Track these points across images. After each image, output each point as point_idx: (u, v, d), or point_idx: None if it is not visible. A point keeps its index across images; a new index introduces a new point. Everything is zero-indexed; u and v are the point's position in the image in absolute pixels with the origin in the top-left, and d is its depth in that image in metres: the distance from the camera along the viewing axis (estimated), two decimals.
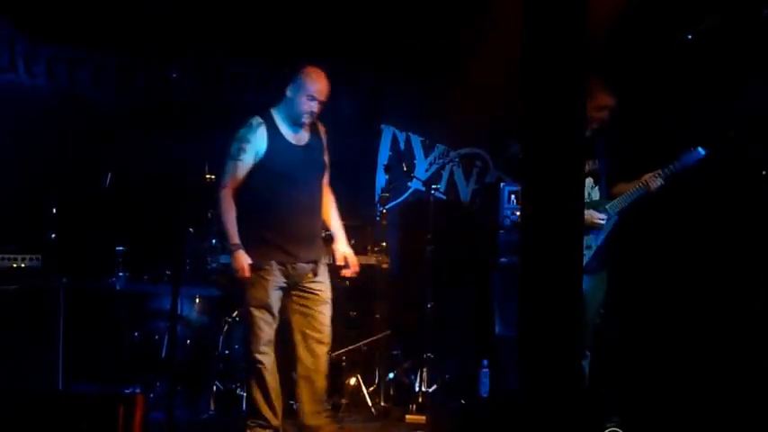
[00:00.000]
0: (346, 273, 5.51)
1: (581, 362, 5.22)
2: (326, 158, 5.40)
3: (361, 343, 6.37)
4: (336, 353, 6.18)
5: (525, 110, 3.96)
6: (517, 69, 3.94)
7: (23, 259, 5.89)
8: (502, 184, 7.36)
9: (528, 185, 4.02)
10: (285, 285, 5.21)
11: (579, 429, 3.83)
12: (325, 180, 5.44)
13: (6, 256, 5.85)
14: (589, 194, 5.64)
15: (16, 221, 6.38)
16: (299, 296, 5.28)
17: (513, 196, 7.25)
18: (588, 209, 5.50)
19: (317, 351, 5.27)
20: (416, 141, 8.09)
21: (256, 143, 5.13)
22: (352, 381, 6.32)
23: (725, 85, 6.16)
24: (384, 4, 7.45)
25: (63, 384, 5.82)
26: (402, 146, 8.05)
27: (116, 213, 6.50)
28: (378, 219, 6.74)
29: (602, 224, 5.55)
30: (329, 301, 5.35)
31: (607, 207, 5.59)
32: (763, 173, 5.39)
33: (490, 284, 7.17)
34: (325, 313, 5.31)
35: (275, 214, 5.17)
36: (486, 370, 6.79)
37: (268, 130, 5.17)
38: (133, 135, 6.91)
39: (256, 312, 5.13)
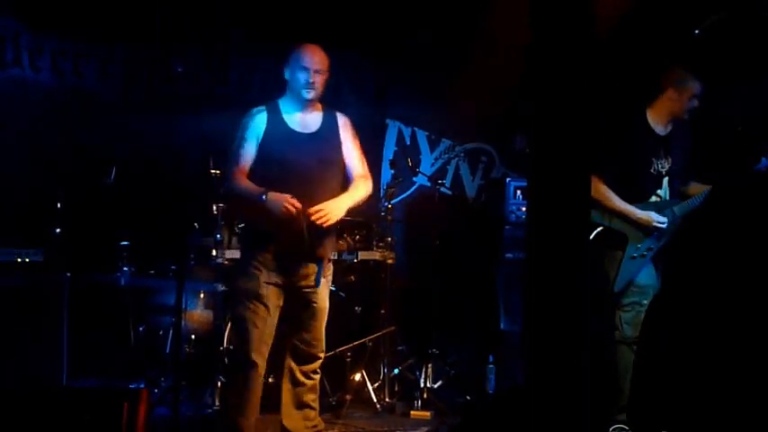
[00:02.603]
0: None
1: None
2: (345, 149, 5.14)
3: (365, 338, 6.35)
4: (341, 348, 6.17)
5: (532, 105, 3.94)
6: (524, 63, 3.92)
7: (28, 254, 5.88)
8: (508, 180, 7.36)
9: (534, 181, 4.00)
10: (280, 284, 4.97)
11: (585, 426, 3.81)
12: (356, 171, 5.16)
13: (11, 250, 5.84)
14: (664, 194, 5.53)
15: (20, 216, 6.38)
16: (294, 301, 5.05)
17: (518, 192, 7.25)
18: (654, 209, 5.38)
19: (308, 366, 5.13)
20: (422, 136, 8.07)
21: (255, 129, 4.95)
22: (357, 376, 6.31)
23: (732, 81, 6.13)
24: None
25: (67, 379, 5.81)
26: (408, 141, 8.04)
27: (121, 208, 6.49)
28: (383, 214, 6.72)
29: (663, 228, 5.38)
30: (325, 310, 5.12)
31: (675, 209, 5.41)
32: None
33: (495, 280, 7.16)
34: (319, 326, 5.11)
35: None
36: (492, 366, 6.79)
37: (269, 115, 4.98)
38: (138, 129, 6.89)
39: (249, 305, 4.92)
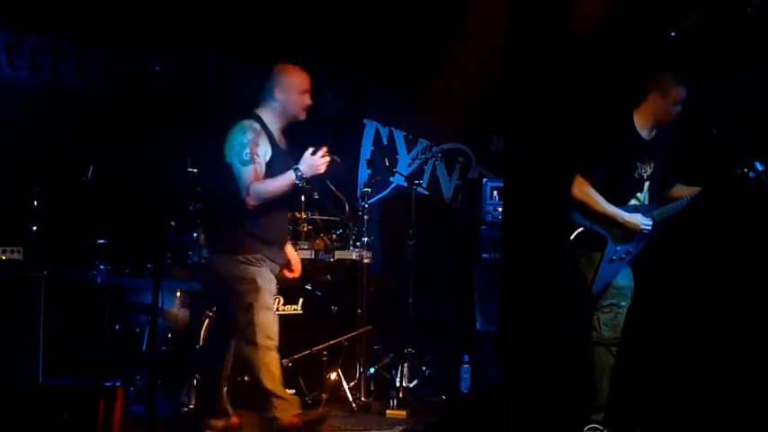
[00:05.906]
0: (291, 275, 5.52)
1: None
2: None
3: (342, 338, 6.37)
4: (317, 348, 6.18)
5: (508, 106, 3.96)
6: (500, 65, 3.95)
7: (4, 252, 5.86)
8: (484, 180, 7.38)
9: (510, 181, 4.03)
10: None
11: (559, 425, 3.85)
12: None
13: None
14: (644, 198, 5.50)
15: None
16: None
17: (495, 192, 7.27)
18: (636, 212, 5.37)
19: None
20: (399, 136, 8.09)
21: (264, 147, 5.06)
22: (333, 375, 6.32)
23: (708, 83, 6.15)
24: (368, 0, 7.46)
25: (44, 377, 5.80)
26: (385, 141, 8.05)
27: (98, 206, 6.47)
28: (360, 214, 6.73)
29: (648, 231, 5.37)
30: None
31: (654, 214, 5.40)
32: (744, 170, 5.33)
33: (471, 280, 7.19)
34: None
35: (274, 218, 5.21)
36: (467, 365, 6.82)
37: (267, 134, 5.11)
38: (116, 127, 6.88)
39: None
